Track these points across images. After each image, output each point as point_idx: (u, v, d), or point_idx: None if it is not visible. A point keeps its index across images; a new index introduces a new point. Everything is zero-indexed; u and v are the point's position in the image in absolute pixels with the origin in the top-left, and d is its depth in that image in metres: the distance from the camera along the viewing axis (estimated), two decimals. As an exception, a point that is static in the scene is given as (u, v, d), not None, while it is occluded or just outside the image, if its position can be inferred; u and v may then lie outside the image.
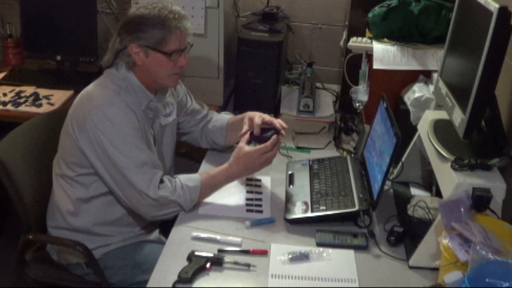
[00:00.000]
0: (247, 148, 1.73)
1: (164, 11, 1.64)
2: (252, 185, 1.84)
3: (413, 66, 1.94)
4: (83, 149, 1.65)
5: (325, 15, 2.70)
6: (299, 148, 2.12)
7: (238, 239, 1.55)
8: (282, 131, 1.78)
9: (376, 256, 1.53)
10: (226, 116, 2.03)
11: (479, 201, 1.30)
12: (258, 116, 1.81)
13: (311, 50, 2.78)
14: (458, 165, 1.38)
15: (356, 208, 1.62)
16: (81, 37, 2.62)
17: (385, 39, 2.02)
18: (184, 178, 1.68)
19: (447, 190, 1.39)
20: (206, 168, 1.92)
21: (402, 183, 1.86)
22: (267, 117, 1.81)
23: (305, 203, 1.69)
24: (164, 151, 1.87)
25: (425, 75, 1.94)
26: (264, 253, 1.51)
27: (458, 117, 1.40)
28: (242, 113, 1.93)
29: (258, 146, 1.72)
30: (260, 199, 1.76)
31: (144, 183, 1.60)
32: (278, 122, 1.79)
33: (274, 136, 1.74)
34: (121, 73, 1.70)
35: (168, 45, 1.66)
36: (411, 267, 1.48)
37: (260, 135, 1.78)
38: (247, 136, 1.78)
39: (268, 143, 1.72)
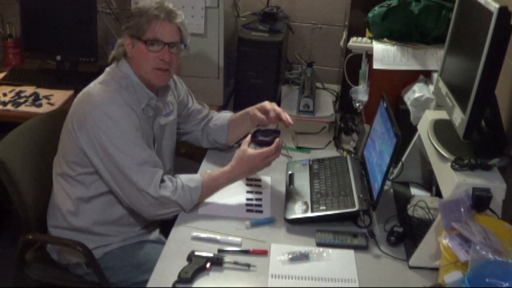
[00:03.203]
0: (250, 151, 1.73)
1: (155, 5, 1.67)
2: (252, 185, 1.84)
3: (413, 66, 1.94)
4: (83, 148, 1.64)
5: (325, 15, 2.70)
6: (299, 148, 2.12)
7: (238, 239, 1.55)
8: (288, 121, 1.81)
9: (376, 256, 1.52)
10: (227, 115, 2.03)
11: (479, 201, 1.30)
12: (268, 103, 1.86)
13: (311, 50, 2.78)
14: (458, 165, 1.38)
15: (356, 208, 1.62)
16: (81, 37, 2.62)
17: (385, 39, 2.02)
18: (185, 179, 1.69)
19: (447, 190, 1.39)
20: (206, 168, 1.92)
21: (402, 183, 1.85)
22: (275, 106, 1.86)
23: (305, 203, 1.69)
24: (163, 150, 1.87)
25: (425, 75, 1.94)
26: (264, 253, 1.50)
27: (458, 117, 1.40)
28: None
29: (262, 150, 1.73)
30: (260, 199, 1.76)
31: (145, 182, 1.60)
32: (285, 116, 1.82)
33: (278, 139, 1.75)
34: (121, 70, 1.71)
35: (146, 33, 1.67)
36: (411, 267, 1.47)
37: (261, 138, 1.79)
38: (248, 138, 1.79)
39: (273, 146, 1.73)
